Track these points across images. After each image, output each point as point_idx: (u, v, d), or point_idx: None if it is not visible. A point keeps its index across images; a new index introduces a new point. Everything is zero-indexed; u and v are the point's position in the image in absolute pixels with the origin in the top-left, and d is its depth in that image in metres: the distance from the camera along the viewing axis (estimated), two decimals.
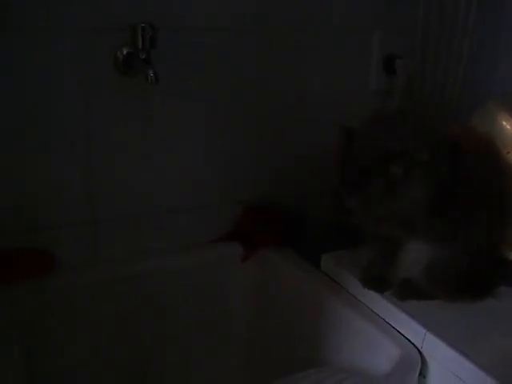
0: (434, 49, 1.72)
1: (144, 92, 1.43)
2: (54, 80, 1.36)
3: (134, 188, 1.52)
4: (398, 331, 1.25)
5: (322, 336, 1.40)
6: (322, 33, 1.63)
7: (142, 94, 1.44)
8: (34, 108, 1.36)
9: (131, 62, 1.38)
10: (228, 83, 1.55)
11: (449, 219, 1.19)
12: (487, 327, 1.21)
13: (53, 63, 1.34)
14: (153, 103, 1.47)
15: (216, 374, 1.65)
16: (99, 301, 1.49)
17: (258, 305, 1.64)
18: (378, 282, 1.33)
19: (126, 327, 1.54)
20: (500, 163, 1.26)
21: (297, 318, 1.51)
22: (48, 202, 1.43)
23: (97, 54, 1.38)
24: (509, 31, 1.78)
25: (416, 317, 1.22)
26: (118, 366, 1.55)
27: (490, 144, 1.28)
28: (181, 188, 1.58)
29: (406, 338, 1.23)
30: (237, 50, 1.54)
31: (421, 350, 1.20)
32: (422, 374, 1.20)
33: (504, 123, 1.40)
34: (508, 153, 1.34)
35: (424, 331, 1.18)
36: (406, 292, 1.29)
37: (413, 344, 1.21)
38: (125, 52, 1.38)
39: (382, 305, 1.30)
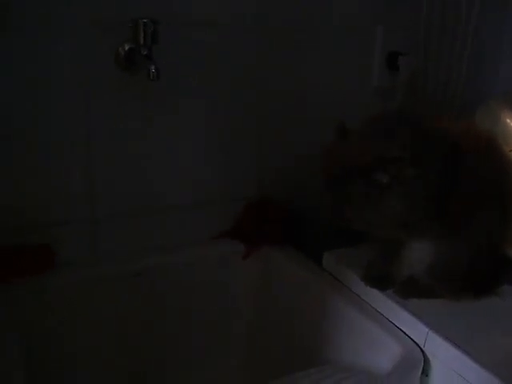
0: (436, 46, 1.72)
1: (144, 91, 1.43)
2: (54, 80, 1.36)
3: (134, 187, 1.52)
4: (401, 330, 1.25)
5: (324, 334, 1.40)
6: (322, 32, 1.63)
7: (142, 94, 1.44)
8: (33, 108, 1.35)
9: (133, 57, 1.38)
10: (228, 82, 1.56)
11: (448, 220, 1.19)
12: (490, 326, 1.21)
13: (53, 63, 1.34)
14: (153, 102, 1.48)
15: (216, 374, 1.65)
16: (99, 300, 1.49)
17: (259, 303, 1.65)
18: (380, 280, 1.33)
19: (126, 327, 1.54)
20: (501, 162, 1.26)
21: (298, 316, 1.51)
22: (48, 202, 1.43)
23: (98, 52, 1.38)
24: None
25: (419, 315, 1.22)
26: (117, 365, 1.55)
27: (491, 142, 1.27)
28: (181, 187, 1.58)
29: (409, 337, 1.23)
30: (237, 49, 1.54)
31: (423, 348, 1.20)
32: (425, 373, 1.20)
33: (507, 121, 1.40)
34: (511, 150, 1.34)
35: (427, 330, 1.18)
36: (409, 290, 1.29)
37: (415, 343, 1.21)
38: (126, 48, 1.38)
39: (384, 303, 1.30)
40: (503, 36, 1.81)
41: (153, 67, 1.32)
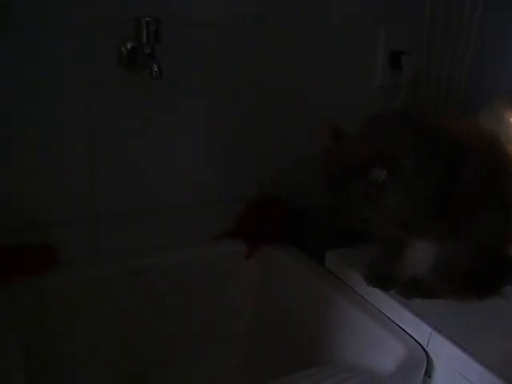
0: (439, 45, 1.72)
1: (145, 91, 1.43)
2: (54, 80, 1.35)
3: (134, 187, 1.52)
4: (404, 330, 1.25)
5: (327, 334, 1.40)
6: (323, 32, 1.63)
7: (143, 94, 1.44)
8: (34, 108, 1.35)
9: (135, 56, 1.38)
10: (228, 82, 1.56)
11: (448, 219, 1.19)
12: (493, 326, 1.21)
13: (53, 63, 1.34)
14: (153, 102, 1.47)
15: (216, 374, 1.65)
16: (99, 300, 1.49)
17: (259, 303, 1.65)
18: (382, 279, 1.33)
19: (126, 327, 1.54)
20: (504, 162, 1.25)
21: (299, 316, 1.52)
22: (48, 202, 1.43)
23: (98, 52, 1.38)
24: None
25: (422, 315, 1.22)
26: (117, 365, 1.55)
27: (494, 142, 1.27)
28: (181, 187, 1.58)
29: (412, 337, 1.23)
30: (237, 49, 1.54)
31: (426, 349, 1.20)
32: (428, 374, 1.20)
33: (511, 120, 1.40)
34: None
35: (430, 330, 1.18)
36: (411, 290, 1.29)
37: (418, 343, 1.21)
38: (129, 46, 1.38)
39: (387, 303, 1.30)
40: (506, 35, 1.81)
41: (155, 66, 1.31)
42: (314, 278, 1.49)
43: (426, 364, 1.19)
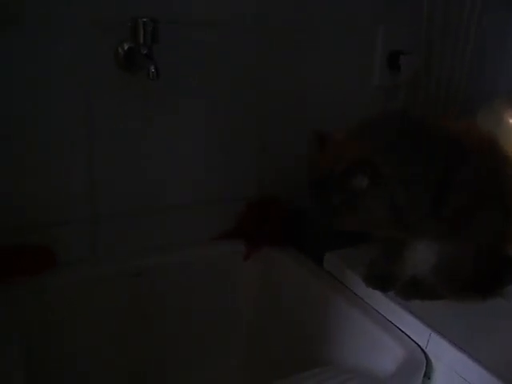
0: (438, 45, 1.72)
1: (145, 91, 1.43)
2: (54, 80, 1.35)
3: (134, 187, 1.52)
4: (403, 331, 1.25)
5: (326, 336, 1.40)
6: (322, 33, 1.63)
7: (143, 93, 1.44)
8: (34, 108, 1.35)
9: (133, 57, 1.38)
10: (228, 82, 1.55)
11: (448, 219, 1.19)
12: (494, 328, 1.21)
13: (53, 63, 1.34)
14: (153, 102, 1.47)
15: (216, 374, 1.65)
16: (99, 300, 1.49)
17: (259, 303, 1.65)
18: (381, 281, 1.33)
19: (125, 327, 1.54)
20: (503, 163, 1.26)
21: (299, 317, 1.51)
22: (48, 202, 1.43)
23: (98, 52, 1.37)
24: None
25: (421, 317, 1.22)
26: (117, 365, 1.55)
27: (493, 144, 1.27)
28: (181, 187, 1.58)
29: (411, 339, 1.23)
30: (237, 49, 1.53)
31: (426, 350, 1.20)
32: (427, 376, 1.20)
33: (510, 121, 1.40)
34: None
35: (429, 332, 1.18)
36: (411, 291, 1.29)
37: (418, 345, 1.21)
38: (126, 47, 1.38)
39: (386, 305, 1.30)
40: (506, 35, 1.81)
41: (152, 67, 1.31)
42: (313, 280, 1.48)
43: (425, 366, 1.19)
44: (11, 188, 1.38)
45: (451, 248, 1.22)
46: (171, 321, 1.60)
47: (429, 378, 1.20)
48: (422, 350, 1.20)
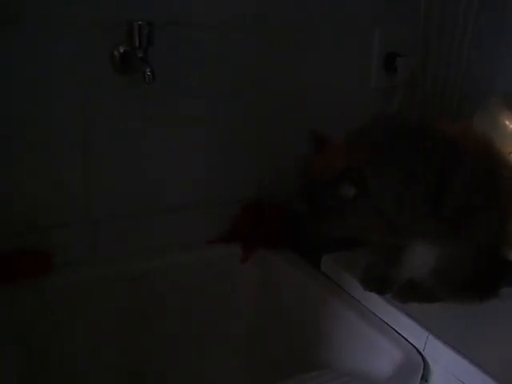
0: (435, 46, 1.72)
1: (144, 91, 1.42)
2: (54, 80, 1.35)
3: (134, 187, 1.52)
4: (400, 334, 1.25)
5: (323, 338, 1.40)
6: (322, 33, 1.63)
7: (143, 93, 1.43)
8: (34, 108, 1.35)
9: (128, 60, 1.38)
10: (228, 82, 1.55)
11: (447, 220, 1.18)
12: (491, 330, 1.21)
13: (52, 63, 1.34)
14: (153, 102, 1.47)
15: (216, 374, 1.66)
16: (99, 301, 1.48)
17: (258, 306, 1.64)
18: (378, 283, 1.33)
19: (125, 327, 1.54)
20: (499, 164, 1.26)
21: (297, 319, 1.51)
22: (48, 202, 1.43)
23: (98, 52, 1.37)
24: None
25: (418, 320, 1.21)
26: (118, 365, 1.55)
27: (489, 146, 1.27)
28: (181, 187, 1.58)
29: (408, 341, 1.22)
30: (237, 49, 1.54)
31: (423, 353, 1.19)
32: (424, 378, 1.20)
33: (507, 123, 1.40)
34: (510, 153, 1.34)
35: (426, 334, 1.18)
36: (408, 294, 1.28)
37: (415, 347, 1.21)
38: (121, 50, 1.37)
39: (383, 307, 1.29)
40: (503, 34, 1.80)
41: (148, 70, 1.31)
42: (310, 282, 1.48)
43: (422, 368, 1.19)
44: (11, 188, 1.38)
45: (451, 249, 1.22)
46: (171, 321, 1.59)
47: (426, 381, 1.20)
48: (420, 352, 1.20)
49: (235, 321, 1.67)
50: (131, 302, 1.53)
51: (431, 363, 1.19)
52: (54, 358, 1.45)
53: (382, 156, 1.14)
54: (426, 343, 1.18)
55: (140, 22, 1.32)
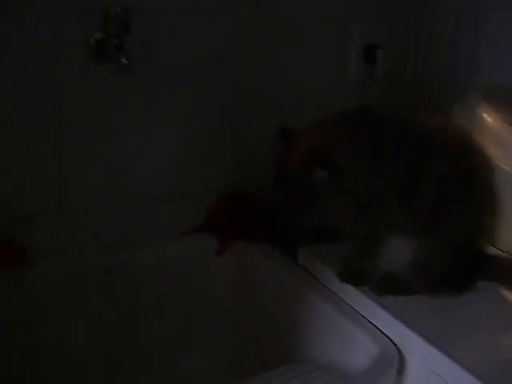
0: (414, 38, 1.72)
1: (118, 79, 1.42)
2: (28, 68, 1.34)
3: (107, 179, 1.51)
4: (376, 327, 1.25)
5: (300, 331, 1.40)
6: (299, 24, 1.64)
7: (117, 81, 1.43)
8: (5, 96, 1.33)
9: (104, 47, 1.36)
10: (203, 72, 1.56)
11: (418, 212, 1.19)
12: (467, 323, 1.21)
13: (26, 50, 1.33)
14: (127, 92, 1.46)
15: (190, 361, 1.64)
16: (72, 292, 1.47)
17: (234, 299, 1.64)
18: (355, 276, 1.32)
19: (100, 317, 1.52)
20: (476, 159, 1.26)
21: (274, 312, 1.51)
22: (21, 194, 1.42)
23: (70, 40, 1.36)
24: (493, 17, 1.76)
25: (394, 312, 1.21)
26: (92, 353, 1.53)
27: (467, 140, 1.27)
28: (155, 179, 1.58)
29: (384, 334, 1.22)
30: (211, 39, 1.55)
31: (398, 346, 1.20)
32: (400, 371, 1.19)
33: (485, 115, 1.40)
34: None
35: (402, 327, 1.18)
36: (385, 287, 1.28)
37: (391, 340, 1.21)
38: (97, 37, 1.36)
39: (360, 300, 1.29)
40: (483, 26, 1.80)
41: (124, 58, 1.30)
42: (287, 275, 1.48)
43: (398, 361, 1.18)
44: None
45: (428, 243, 1.22)
46: (145, 311, 1.57)
47: (402, 374, 1.20)
48: (395, 345, 1.20)
49: (210, 312, 1.65)
50: (105, 294, 1.51)
51: (407, 356, 1.19)
52: (29, 347, 1.42)
53: (355, 140, 1.15)
54: (401, 336, 1.19)
55: (117, 9, 1.31)
